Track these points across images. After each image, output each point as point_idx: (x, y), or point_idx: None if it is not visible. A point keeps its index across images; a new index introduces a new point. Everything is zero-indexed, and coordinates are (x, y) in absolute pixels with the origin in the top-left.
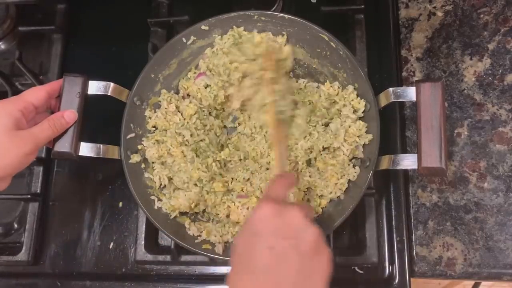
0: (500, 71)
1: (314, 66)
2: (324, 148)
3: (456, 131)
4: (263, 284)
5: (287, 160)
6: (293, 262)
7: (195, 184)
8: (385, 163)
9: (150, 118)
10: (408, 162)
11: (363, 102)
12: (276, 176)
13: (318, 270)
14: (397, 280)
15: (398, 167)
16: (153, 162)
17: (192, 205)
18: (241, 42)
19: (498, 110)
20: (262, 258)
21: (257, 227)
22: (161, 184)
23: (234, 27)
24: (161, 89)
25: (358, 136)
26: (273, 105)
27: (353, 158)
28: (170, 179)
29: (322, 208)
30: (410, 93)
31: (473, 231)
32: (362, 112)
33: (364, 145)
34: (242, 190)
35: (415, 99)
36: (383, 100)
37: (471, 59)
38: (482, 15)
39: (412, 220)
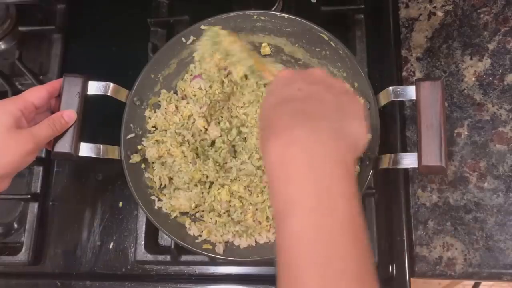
0: (500, 71)
1: (313, 65)
2: None
3: (456, 131)
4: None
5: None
6: (328, 99)
7: (196, 185)
8: (385, 162)
9: (150, 118)
10: (408, 160)
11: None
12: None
13: (355, 113)
14: (397, 280)
15: (398, 166)
16: (153, 162)
17: (193, 206)
18: (220, 42)
19: (498, 110)
20: (293, 102)
21: (278, 89)
22: (161, 184)
23: (210, 26)
24: (161, 89)
25: None
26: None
27: None
28: (170, 179)
29: None
30: (410, 91)
31: (473, 231)
32: None
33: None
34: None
35: (414, 98)
36: (383, 99)
37: (471, 59)
38: (482, 15)
39: (412, 220)
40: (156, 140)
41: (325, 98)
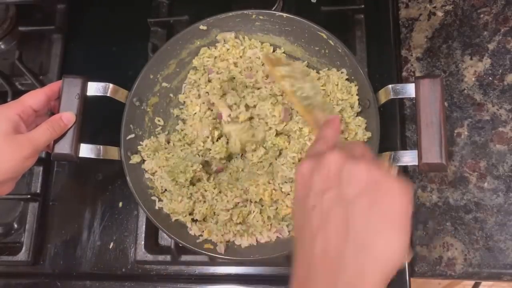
0: (500, 71)
1: (313, 64)
2: None
3: (456, 131)
4: (310, 256)
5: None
6: (338, 219)
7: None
8: (385, 160)
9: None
10: (408, 158)
11: (355, 87)
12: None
13: (381, 216)
14: (397, 280)
15: (398, 164)
16: (153, 174)
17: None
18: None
19: (498, 110)
20: (309, 223)
21: (299, 192)
22: (162, 187)
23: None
24: (160, 90)
25: (357, 133)
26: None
27: None
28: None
29: None
30: (409, 89)
31: (473, 231)
32: (359, 106)
33: (364, 143)
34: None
35: (414, 96)
36: (383, 97)
37: (471, 59)
38: (482, 15)
39: (412, 220)
40: (154, 151)
41: (335, 217)
